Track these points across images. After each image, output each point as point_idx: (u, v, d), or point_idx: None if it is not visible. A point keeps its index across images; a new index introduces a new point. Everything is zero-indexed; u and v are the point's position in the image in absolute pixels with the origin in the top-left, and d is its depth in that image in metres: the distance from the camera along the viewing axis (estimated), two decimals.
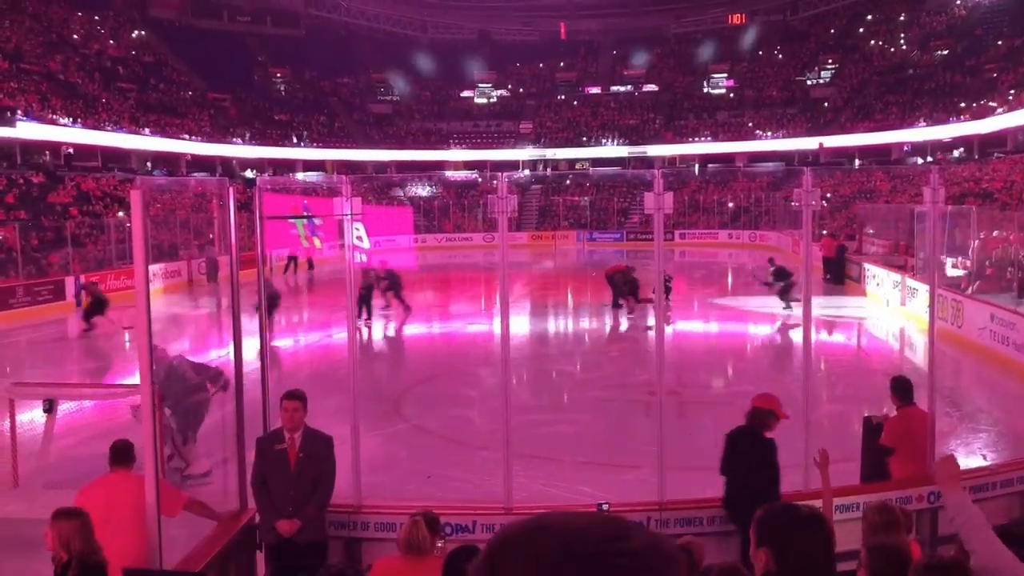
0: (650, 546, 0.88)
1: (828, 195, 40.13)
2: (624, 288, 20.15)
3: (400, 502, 6.70)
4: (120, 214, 31.42)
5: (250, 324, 6.47)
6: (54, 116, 38.08)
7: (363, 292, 17.88)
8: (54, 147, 38.55)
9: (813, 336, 6.81)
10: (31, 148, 37.04)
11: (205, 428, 8.87)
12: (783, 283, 19.47)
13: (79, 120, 39.49)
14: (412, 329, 19.54)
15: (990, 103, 40.97)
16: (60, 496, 5.57)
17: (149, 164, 44.80)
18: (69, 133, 38.55)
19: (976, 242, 19.15)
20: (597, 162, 56.56)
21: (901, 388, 6.90)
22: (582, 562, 0.85)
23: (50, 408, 7.91)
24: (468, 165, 56.80)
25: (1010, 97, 39.62)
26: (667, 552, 0.88)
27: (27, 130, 35.76)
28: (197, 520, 5.62)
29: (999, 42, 45.74)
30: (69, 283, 23.82)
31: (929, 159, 44.66)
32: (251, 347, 6.33)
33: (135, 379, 8.63)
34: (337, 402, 7.17)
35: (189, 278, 28.68)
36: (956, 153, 43.93)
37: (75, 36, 47.51)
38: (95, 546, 4.17)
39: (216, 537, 5.58)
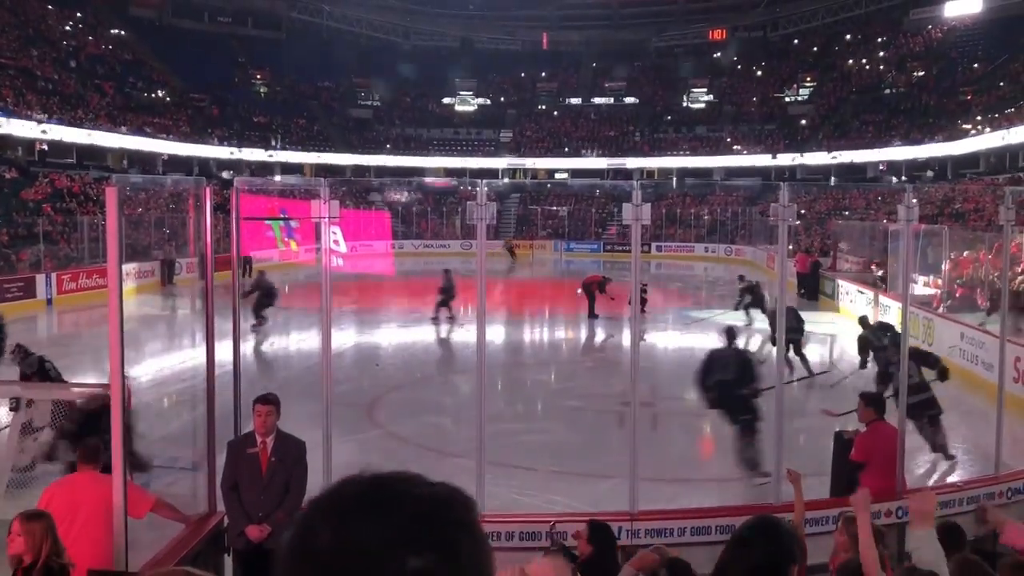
0: (450, 489, 0.97)
1: (803, 211, 40.51)
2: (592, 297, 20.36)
3: None
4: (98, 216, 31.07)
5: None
6: (29, 111, 37.58)
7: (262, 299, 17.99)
8: (28, 143, 38.06)
9: (784, 351, 6.86)
10: (4, 143, 36.54)
11: (175, 429, 8.76)
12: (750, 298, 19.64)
13: (55, 116, 38.99)
14: (387, 335, 19.46)
15: (964, 125, 41.61)
16: (25, 496, 5.48)
17: (125, 163, 44.32)
18: (44, 129, 38.02)
19: (948, 262, 19.43)
20: (576, 173, 56.74)
21: (871, 404, 6.99)
22: (384, 497, 0.94)
23: (16, 407, 7.78)
24: (448, 172, 56.75)
25: (980, 120, 40.26)
26: (462, 493, 0.97)
27: (0, 125, 35.23)
28: (164, 522, 5.55)
29: (974, 65, 46.54)
30: (40, 280, 23.47)
31: (904, 178, 45.28)
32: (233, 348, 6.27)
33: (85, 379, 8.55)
34: (310, 407, 7.11)
35: (162, 279, 28.44)
36: (930, 173, 44.57)
37: (53, 32, 46.96)
38: (59, 549, 4.10)
39: (183, 540, 5.51)
